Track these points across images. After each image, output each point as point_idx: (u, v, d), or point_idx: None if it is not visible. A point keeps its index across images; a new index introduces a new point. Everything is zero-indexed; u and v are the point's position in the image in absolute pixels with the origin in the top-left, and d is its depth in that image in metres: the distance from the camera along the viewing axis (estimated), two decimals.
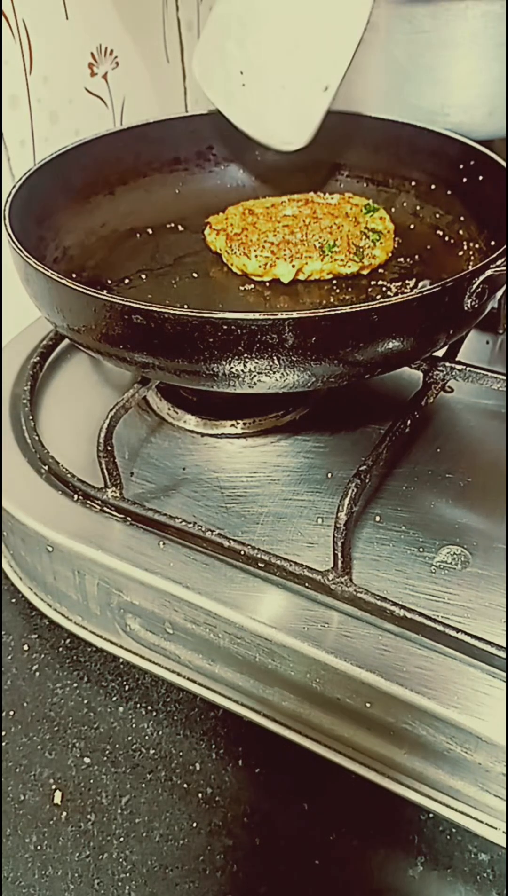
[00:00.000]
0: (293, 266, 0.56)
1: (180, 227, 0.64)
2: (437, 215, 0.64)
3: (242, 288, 0.57)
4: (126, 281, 0.58)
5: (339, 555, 0.43)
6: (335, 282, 0.57)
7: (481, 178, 0.61)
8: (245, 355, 0.43)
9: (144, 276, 0.58)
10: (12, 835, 0.44)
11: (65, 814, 0.45)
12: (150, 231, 0.63)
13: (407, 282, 0.57)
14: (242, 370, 0.44)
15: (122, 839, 0.44)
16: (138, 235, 0.63)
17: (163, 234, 0.64)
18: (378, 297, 0.56)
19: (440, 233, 0.63)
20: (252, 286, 0.57)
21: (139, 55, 0.77)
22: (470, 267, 0.59)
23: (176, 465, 0.53)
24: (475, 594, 0.44)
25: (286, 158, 0.65)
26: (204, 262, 0.60)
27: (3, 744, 0.48)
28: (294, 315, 0.41)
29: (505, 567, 0.45)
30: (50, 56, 0.67)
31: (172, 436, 0.55)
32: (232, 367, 0.44)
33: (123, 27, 0.74)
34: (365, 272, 0.58)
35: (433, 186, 0.63)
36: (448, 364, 0.53)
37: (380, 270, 0.58)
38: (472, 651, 0.40)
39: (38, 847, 0.44)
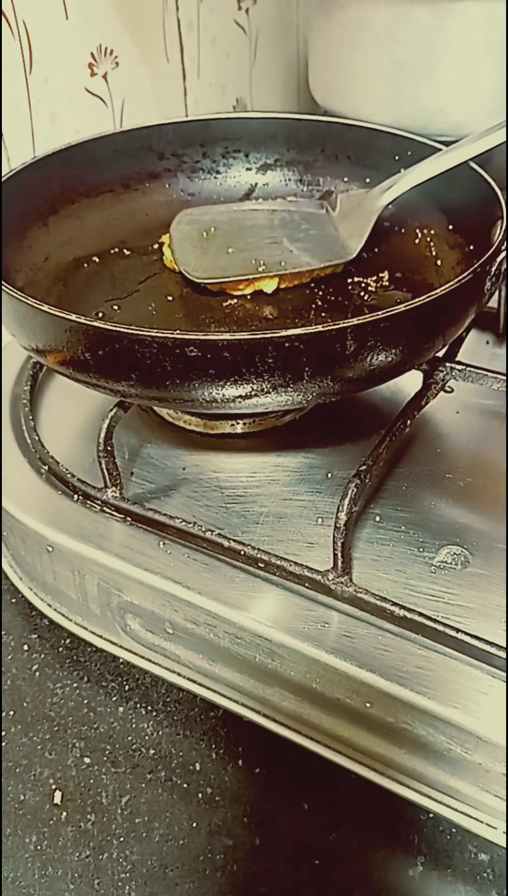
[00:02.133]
0: None
1: (126, 251, 0.61)
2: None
3: (225, 304, 0.55)
4: (100, 314, 0.55)
5: (339, 555, 0.43)
6: (312, 284, 0.57)
7: None
8: (306, 369, 0.42)
9: (116, 307, 0.56)
10: (12, 835, 0.44)
11: (65, 814, 0.45)
12: (96, 259, 0.60)
13: (380, 274, 0.57)
14: (300, 384, 0.43)
15: (122, 839, 0.44)
16: (86, 265, 0.60)
17: (111, 261, 0.61)
18: (362, 293, 0.56)
19: (388, 224, 0.62)
20: (235, 300, 0.55)
21: (139, 55, 0.77)
22: (433, 252, 0.59)
23: (176, 465, 0.53)
24: (475, 594, 0.44)
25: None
26: (171, 283, 0.58)
27: (3, 744, 0.48)
28: (355, 321, 0.41)
29: (505, 567, 0.45)
30: (50, 56, 0.67)
31: (172, 436, 0.55)
32: (289, 383, 0.43)
33: (123, 27, 0.74)
34: (339, 271, 0.57)
35: (367, 180, 0.62)
36: (448, 364, 0.53)
37: (350, 268, 0.58)
38: (472, 651, 0.40)
39: (38, 847, 0.44)
